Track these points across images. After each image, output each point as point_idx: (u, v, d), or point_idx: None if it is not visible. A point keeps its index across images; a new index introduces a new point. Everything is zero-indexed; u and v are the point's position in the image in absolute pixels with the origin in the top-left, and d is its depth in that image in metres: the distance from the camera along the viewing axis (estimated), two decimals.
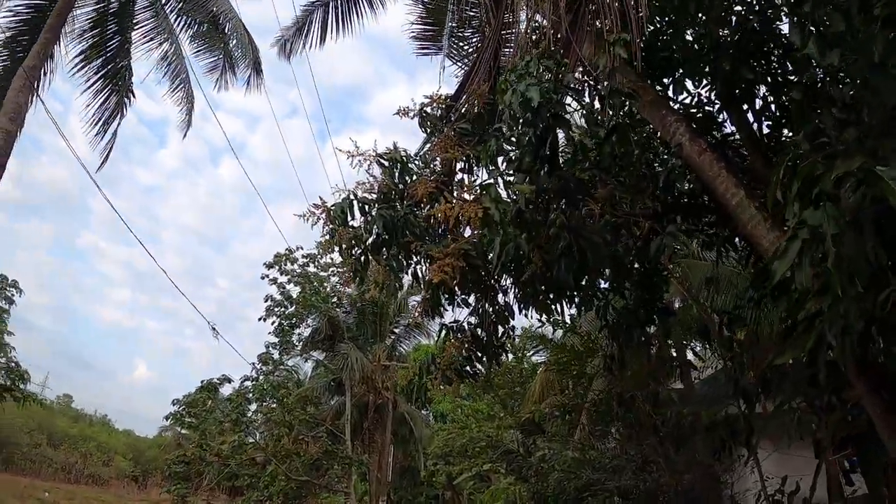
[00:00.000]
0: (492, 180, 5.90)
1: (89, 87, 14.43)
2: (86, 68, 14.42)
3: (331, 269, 26.60)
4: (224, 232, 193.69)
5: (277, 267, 25.79)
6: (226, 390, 24.87)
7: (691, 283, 12.96)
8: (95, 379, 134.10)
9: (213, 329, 15.83)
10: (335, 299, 26.95)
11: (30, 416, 49.64)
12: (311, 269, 26.20)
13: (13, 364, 17.19)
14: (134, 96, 15.04)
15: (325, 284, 26.29)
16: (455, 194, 6.33)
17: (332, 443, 25.17)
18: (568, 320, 10.63)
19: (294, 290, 25.62)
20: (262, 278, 25.73)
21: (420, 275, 6.91)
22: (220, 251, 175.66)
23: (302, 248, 26.29)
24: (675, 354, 14.92)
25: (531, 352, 22.63)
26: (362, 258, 6.56)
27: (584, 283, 6.50)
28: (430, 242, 6.34)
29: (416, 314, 7.75)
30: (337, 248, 6.42)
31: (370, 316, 29.76)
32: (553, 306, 6.70)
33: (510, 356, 20.91)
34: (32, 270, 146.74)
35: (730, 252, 7.82)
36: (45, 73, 13.77)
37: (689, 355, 13.82)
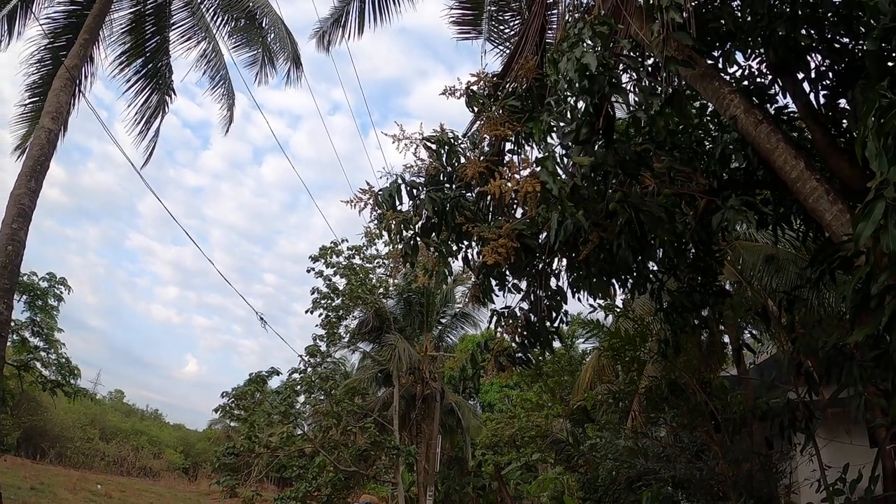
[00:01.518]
0: (547, 154, 5.69)
1: (130, 87, 14.61)
2: (126, 69, 14.58)
3: (377, 261, 26.71)
4: (270, 229, 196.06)
5: (323, 260, 25.87)
6: (274, 383, 25.11)
7: (744, 266, 12.64)
8: (147, 375, 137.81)
9: (262, 319, 15.94)
10: (381, 290, 26.93)
11: (83, 411, 50.88)
12: (357, 260, 26.26)
13: (63, 360, 17.45)
14: (175, 94, 15.21)
15: (371, 276, 26.32)
16: (508, 172, 6.13)
17: (379, 433, 25.26)
18: (620, 304, 10.39)
19: (340, 283, 25.71)
20: (308, 271, 25.86)
21: (471, 259, 6.76)
22: (267, 248, 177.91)
23: (347, 241, 26.42)
24: (727, 341, 14.66)
25: (581, 339, 22.44)
26: (412, 242, 6.43)
27: (642, 261, 6.27)
28: (482, 224, 6.17)
29: (467, 300, 7.46)
30: (385, 233, 6.30)
31: (417, 306, 29.80)
32: (607, 289, 6.51)
33: (559, 344, 20.73)
34: (84, 272, 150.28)
35: (786, 232, 7.55)
36: (85, 77, 14.01)
37: (743, 340, 13.49)
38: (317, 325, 25.71)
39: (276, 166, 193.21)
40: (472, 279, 7.09)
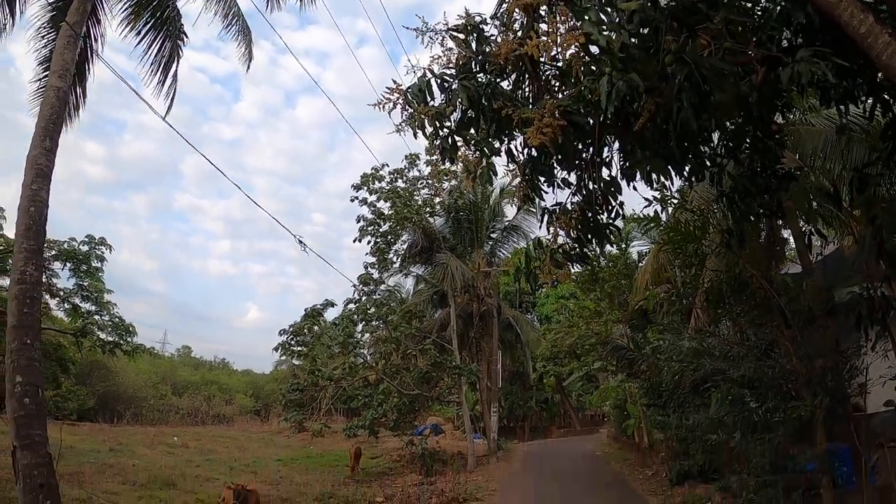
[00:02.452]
0: (590, 5, 5.00)
1: (143, 39, 14.17)
2: (136, 23, 14.11)
3: (420, 182, 26.24)
4: (312, 169, 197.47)
5: (365, 187, 25.56)
6: (331, 316, 25.16)
7: (803, 153, 11.83)
8: (211, 328, 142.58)
9: (301, 242, 15.64)
10: (428, 210, 26.51)
11: (153, 370, 53.42)
12: (400, 184, 25.85)
13: (116, 320, 17.54)
14: (187, 37, 14.71)
15: (416, 196, 25.88)
16: (547, 28, 5.45)
17: (439, 354, 25.26)
18: (677, 195, 9.73)
19: (385, 208, 25.39)
20: (352, 200, 25.61)
21: (515, 153, 6.20)
22: (311, 188, 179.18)
23: (388, 166, 25.97)
24: (787, 236, 13.97)
25: (637, 240, 21.81)
26: (449, 139, 5.89)
27: (701, 135, 5.58)
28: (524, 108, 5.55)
29: (515, 200, 6.81)
30: (420, 131, 5.75)
31: (466, 224, 29.35)
32: (664, 169, 5.88)
33: (614, 248, 20.12)
34: (138, 241, 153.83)
35: (849, 111, 6.82)
36: (95, 39, 13.66)
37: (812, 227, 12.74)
38: (367, 254, 25.58)
39: (311, 107, 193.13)
40: (518, 178, 6.50)
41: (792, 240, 14.19)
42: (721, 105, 5.12)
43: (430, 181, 26.05)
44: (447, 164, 6.43)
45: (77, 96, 14.27)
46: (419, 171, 26.23)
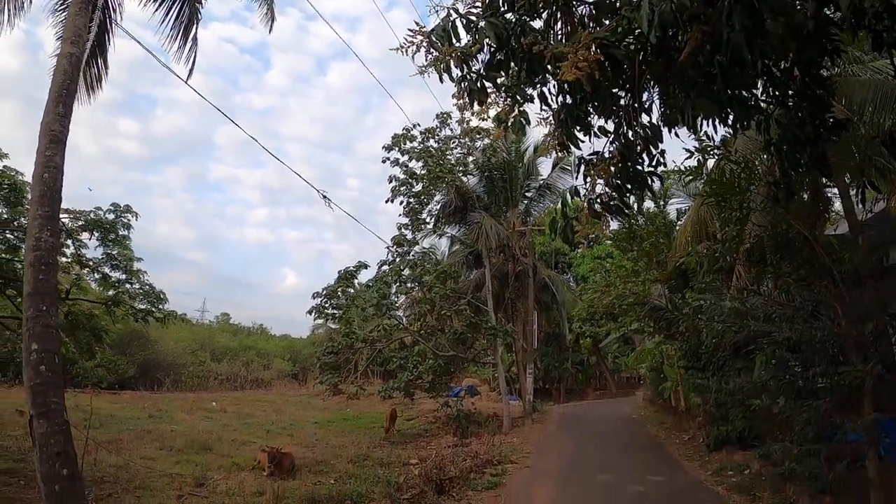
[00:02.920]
0: None
1: (161, 4, 13.83)
2: None
3: (452, 142, 25.77)
4: (346, 135, 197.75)
5: (397, 148, 25.16)
6: (365, 278, 24.95)
7: (852, 103, 11.16)
8: (249, 295, 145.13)
9: (324, 197, 15.37)
10: (461, 169, 26.04)
11: (191, 338, 54.36)
12: (432, 143, 25.41)
13: (147, 287, 17.42)
14: None
15: (449, 155, 25.41)
16: None
17: (475, 315, 24.99)
18: (719, 143, 9.14)
19: (417, 167, 24.99)
20: (384, 161, 25.25)
21: (549, 97, 5.74)
22: (345, 154, 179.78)
23: (419, 125, 25.51)
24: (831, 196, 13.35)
25: (679, 190, 21.16)
26: (477, 83, 5.45)
27: (755, 60, 5.02)
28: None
29: (550, 148, 6.33)
30: (446, 74, 5.31)
31: (500, 182, 28.82)
32: (712, 109, 5.38)
33: (653, 201, 19.60)
34: (175, 213, 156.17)
35: None
36: (113, 9, 13.40)
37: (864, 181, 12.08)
38: (400, 215, 25.27)
39: (342, 73, 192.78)
40: (553, 126, 6.04)
41: (836, 200, 13.58)
42: (774, 35, 4.60)
43: (462, 140, 25.60)
44: (476, 109, 5.95)
45: (98, 68, 14.08)
46: (451, 130, 25.77)
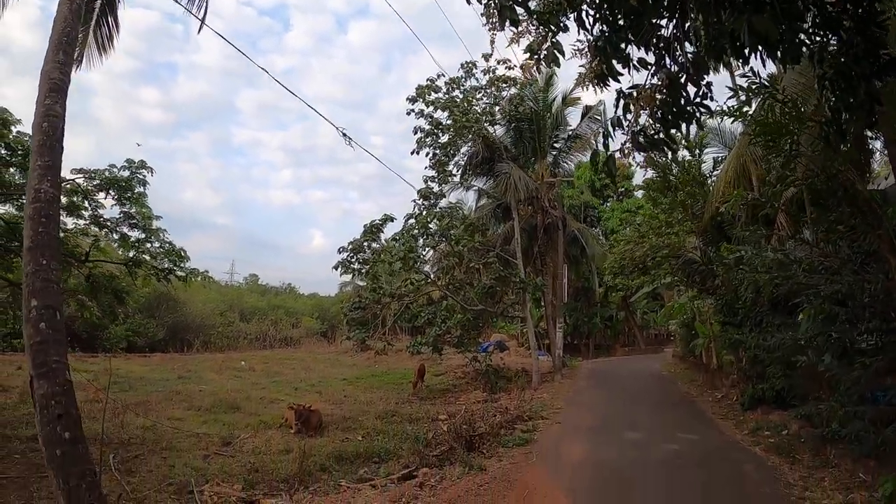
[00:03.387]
0: None
1: None
2: None
3: (479, 92, 25.00)
4: (369, 93, 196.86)
5: (421, 99, 24.46)
6: (392, 232, 24.51)
7: None
8: (277, 257, 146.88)
9: (344, 135, 14.94)
10: (487, 118, 25.27)
11: (220, 299, 55.42)
12: (457, 93, 24.67)
13: (168, 245, 16.98)
14: None
15: (475, 105, 24.65)
16: None
17: (503, 268, 24.50)
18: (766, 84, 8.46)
19: (443, 118, 24.31)
20: (408, 114, 24.55)
21: (586, 21, 5.19)
22: (369, 112, 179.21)
23: (444, 75, 24.78)
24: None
25: (714, 139, 20.33)
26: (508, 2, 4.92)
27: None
28: None
29: (585, 81, 5.74)
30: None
31: (527, 133, 28.05)
32: (769, 26, 4.77)
33: (688, 154, 18.83)
34: (201, 178, 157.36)
35: None
36: None
37: None
38: (426, 168, 24.70)
39: (363, 30, 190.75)
40: (589, 57, 5.50)
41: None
42: None
43: (488, 90, 24.85)
44: (507, 34, 5.41)
45: (108, 27, 13.75)
46: (477, 80, 25.00)
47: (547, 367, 27.94)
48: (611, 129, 5.56)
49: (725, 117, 10.28)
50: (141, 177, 15.93)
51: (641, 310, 51.56)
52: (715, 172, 19.97)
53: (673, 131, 5.68)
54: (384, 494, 9.53)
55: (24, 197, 15.48)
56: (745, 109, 9.04)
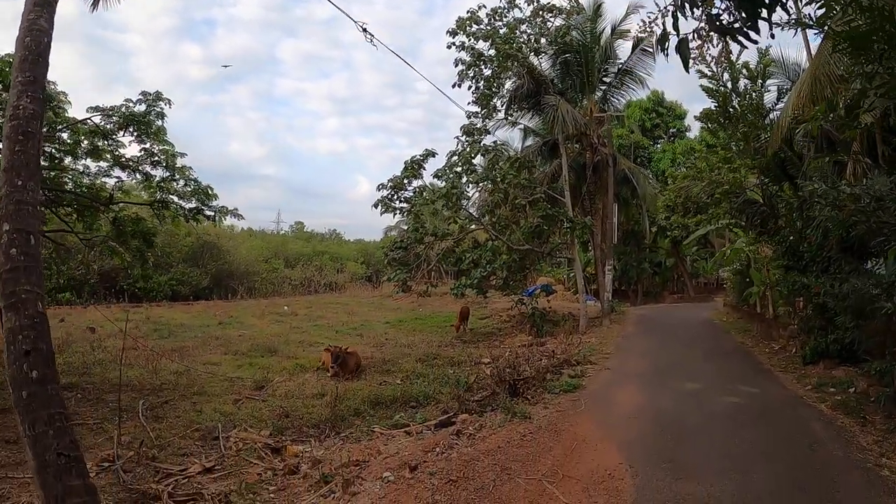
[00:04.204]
0: None
1: None
2: None
3: (523, 24, 23.56)
4: (412, 39, 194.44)
5: (462, 31, 23.15)
6: (434, 168, 23.53)
7: None
8: (323, 204, 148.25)
9: (365, 31, 14.06)
10: (532, 47, 23.85)
11: (264, 246, 55.72)
12: (500, 24, 23.30)
13: (194, 184, 16.11)
14: None
15: (519, 35, 23.22)
16: None
17: (550, 207, 23.32)
18: None
19: (485, 48, 23.01)
20: (449, 47, 23.23)
21: None
22: (414, 58, 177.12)
23: (485, 6, 23.35)
24: None
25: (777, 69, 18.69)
26: None
27: None
28: None
29: None
30: None
31: (575, 67, 26.47)
32: None
33: (748, 83, 17.34)
34: (246, 130, 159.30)
35: None
36: None
37: None
38: (469, 103, 23.52)
39: None
40: None
41: None
42: None
43: (533, 20, 23.41)
44: None
45: None
46: (520, 9, 23.53)
47: (594, 311, 27.00)
48: (687, 7, 4.51)
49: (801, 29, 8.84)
50: (158, 110, 15.08)
51: (691, 256, 50.11)
52: (778, 106, 18.42)
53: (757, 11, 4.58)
54: (418, 443, 8.78)
55: (47, 145, 15.04)
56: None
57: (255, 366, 15.94)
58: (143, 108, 14.99)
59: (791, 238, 15.67)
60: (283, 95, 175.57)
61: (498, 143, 25.24)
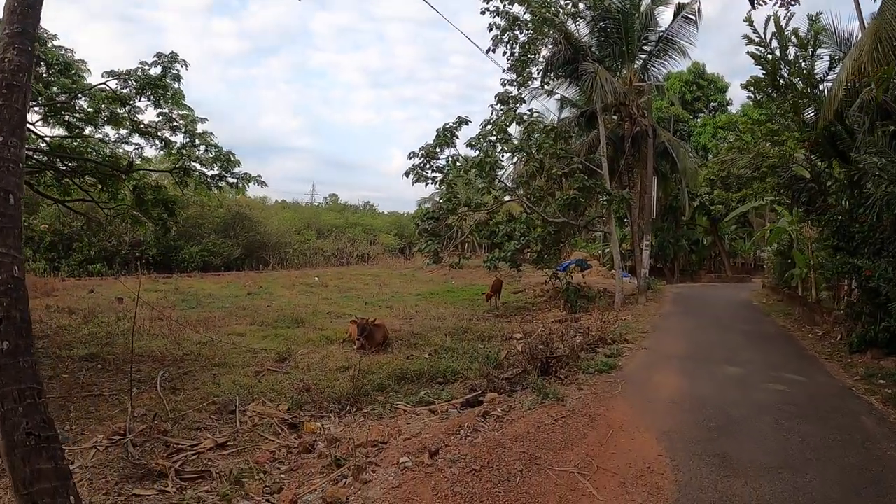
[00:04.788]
0: None
1: None
2: None
3: None
4: (447, 10, 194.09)
5: None
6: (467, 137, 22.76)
7: None
8: (357, 176, 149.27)
9: None
10: (570, 10, 22.83)
11: (297, 217, 55.86)
12: None
13: (215, 149, 15.51)
14: None
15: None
16: None
17: (587, 178, 22.40)
18: None
19: (519, 12, 22.05)
20: (483, 13, 22.19)
21: None
22: (448, 30, 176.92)
23: None
24: None
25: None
26: None
27: None
28: None
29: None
30: None
31: (614, 34, 25.43)
32: None
33: (798, 50, 16.31)
34: (279, 102, 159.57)
35: None
36: None
37: None
38: (504, 70, 22.65)
39: None
40: None
41: None
42: None
43: None
44: None
45: None
46: None
47: (630, 288, 26.29)
48: None
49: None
50: (174, 72, 14.49)
51: (729, 235, 48.89)
52: (830, 76, 17.29)
53: None
54: (442, 423, 8.25)
55: (66, 114, 14.64)
56: None
57: (280, 337, 15.61)
58: (158, 70, 14.43)
59: (841, 217, 14.84)
60: (316, 68, 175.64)
61: (534, 112, 24.28)
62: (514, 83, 22.33)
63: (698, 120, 50.46)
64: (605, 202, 22.47)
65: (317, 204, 77.43)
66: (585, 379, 10.45)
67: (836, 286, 20.38)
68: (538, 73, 23.64)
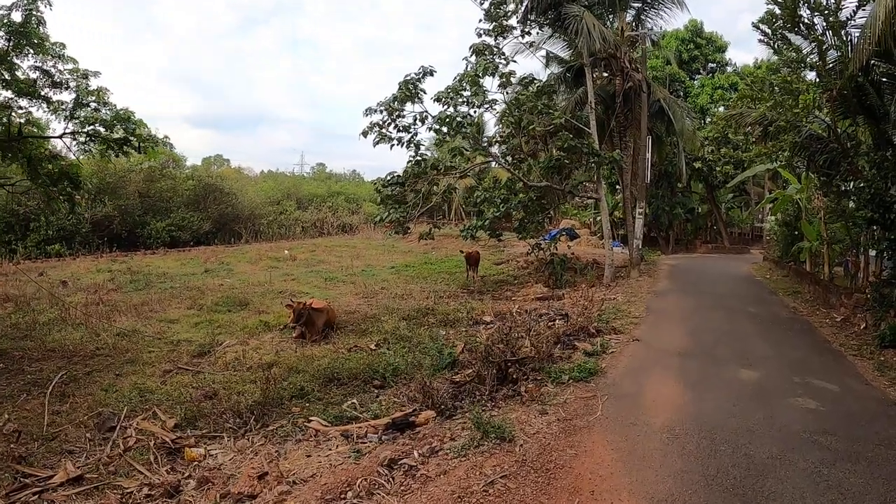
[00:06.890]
0: None
1: None
2: None
3: None
4: None
5: None
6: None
7: None
8: (347, 145, 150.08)
9: None
10: None
11: (276, 188, 54.02)
12: None
13: (114, 109, 12.88)
14: None
15: None
16: None
17: (574, 138, 19.86)
18: None
19: None
20: None
21: None
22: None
23: None
24: None
25: None
26: None
27: None
28: None
29: None
30: None
31: None
32: None
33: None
34: (270, 74, 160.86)
35: None
36: None
37: None
38: (480, 21, 20.20)
39: None
40: None
41: None
42: None
43: None
44: None
45: None
46: None
47: (621, 260, 24.11)
48: None
49: None
50: (38, 15, 11.73)
51: (726, 204, 46.60)
52: (859, 15, 14.60)
53: None
54: (345, 463, 6.00)
55: None
56: None
57: (214, 323, 13.88)
58: (19, 16, 11.70)
59: (875, 185, 12.58)
60: (307, 38, 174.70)
61: (511, 60, 21.65)
62: (491, 33, 19.96)
63: (696, 81, 47.80)
64: (593, 164, 19.99)
65: (304, 174, 75.87)
66: (555, 393, 7.86)
67: (850, 262, 18.25)
68: (518, 23, 21.07)
